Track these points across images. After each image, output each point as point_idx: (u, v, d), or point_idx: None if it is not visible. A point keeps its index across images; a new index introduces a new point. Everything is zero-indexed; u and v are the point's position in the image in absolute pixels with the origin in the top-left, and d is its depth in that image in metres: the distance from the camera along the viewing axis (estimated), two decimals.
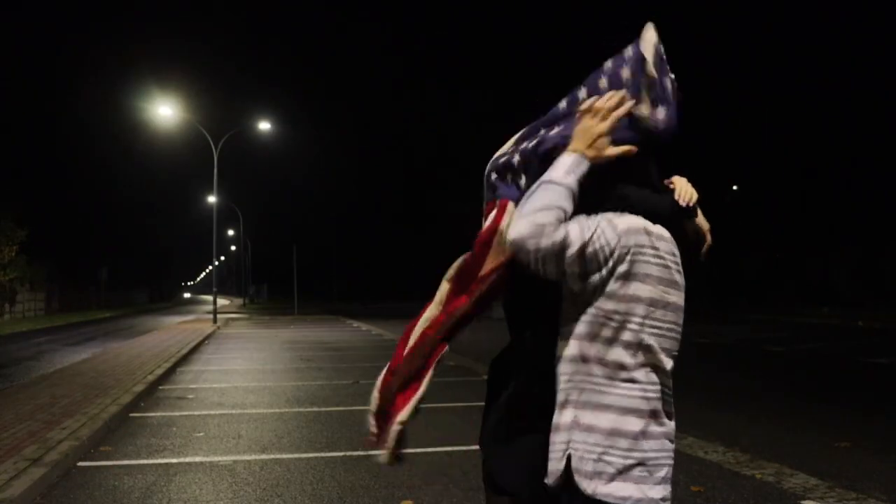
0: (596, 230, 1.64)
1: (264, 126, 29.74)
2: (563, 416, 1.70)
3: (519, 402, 1.87)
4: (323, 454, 5.84)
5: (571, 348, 1.70)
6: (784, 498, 4.47)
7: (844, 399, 8.48)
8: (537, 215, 1.63)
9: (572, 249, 1.62)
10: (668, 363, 1.72)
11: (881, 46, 38.27)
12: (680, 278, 1.75)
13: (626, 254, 1.65)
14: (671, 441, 1.73)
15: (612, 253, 1.64)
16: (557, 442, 1.70)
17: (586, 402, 1.67)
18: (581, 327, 1.69)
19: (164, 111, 26.55)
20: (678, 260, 1.75)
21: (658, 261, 1.69)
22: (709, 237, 1.88)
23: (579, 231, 1.63)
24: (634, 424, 1.65)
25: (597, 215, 1.68)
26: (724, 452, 5.60)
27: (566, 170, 1.70)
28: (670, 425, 1.73)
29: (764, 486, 4.70)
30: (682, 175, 1.95)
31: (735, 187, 43.70)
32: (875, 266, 31.07)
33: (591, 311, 1.69)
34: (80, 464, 5.62)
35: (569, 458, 1.66)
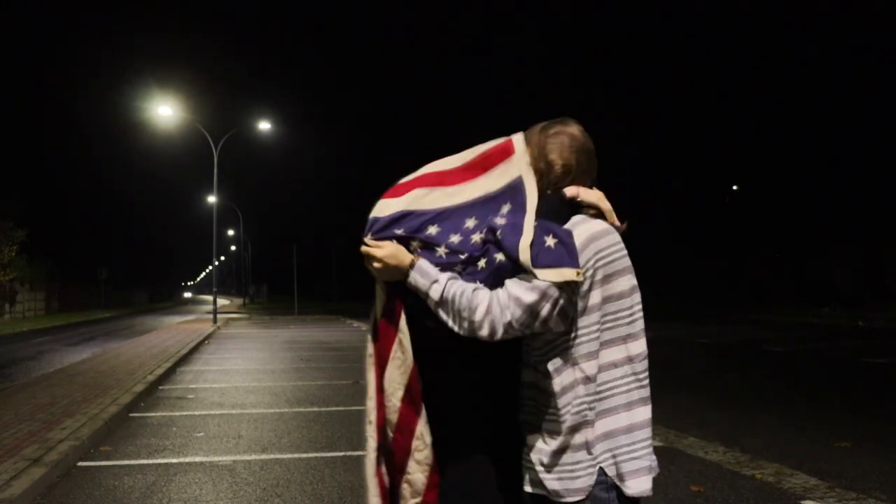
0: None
1: (264, 126, 29.74)
2: (577, 437, 1.75)
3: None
4: (323, 454, 5.84)
5: (577, 372, 1.75)
6: (784, 498, 4.46)
7: (844, 399, 8.47)
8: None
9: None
10: (644, 343, 1.84)
11: (881, 46, 38.24)
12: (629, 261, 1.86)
13: (590, 267, 1.75)
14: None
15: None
16: (583, 461, 1.74)
17: (600, 412, 1.75)
18: (581, 349, 1.75)
19: (164, 111, 26.57)
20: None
21: (619, 253, 1.80)
22: (614, 217, 1.92)
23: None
24: (645, 413, 1.78)
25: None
26: (724, 452, 5.60)
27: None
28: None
29: (764, 486, 4.70)
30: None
31: (735, 187, 43.70)
32: (876, 266, 31.05)
33: (584, 330, 1.76)
34: (80, 464, 5.62)
35: (600, 470, 1.74)
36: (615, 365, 1.76)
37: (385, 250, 1.85)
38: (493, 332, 1.71)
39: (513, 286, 1.72)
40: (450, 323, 1.77)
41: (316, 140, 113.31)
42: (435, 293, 1.78)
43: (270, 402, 8.48)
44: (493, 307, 1.70)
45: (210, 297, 34.10)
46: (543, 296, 1.68)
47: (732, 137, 42.86)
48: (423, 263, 1.82)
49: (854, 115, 36.66)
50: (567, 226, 1.79)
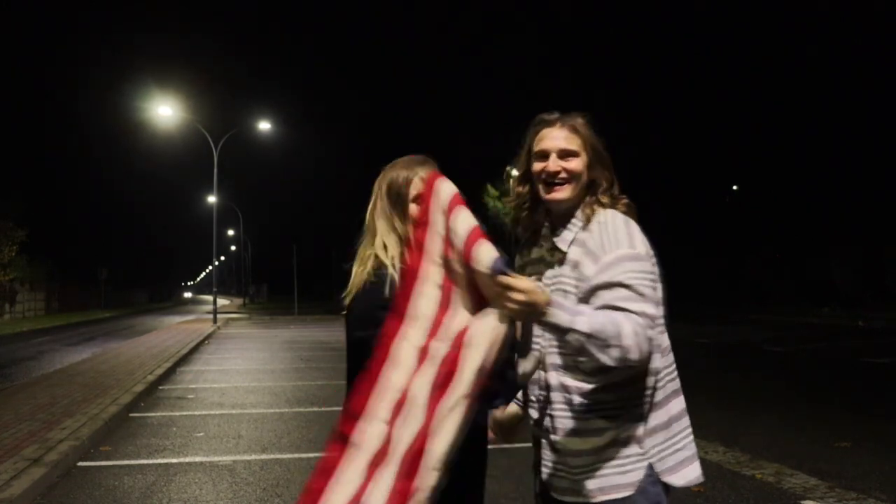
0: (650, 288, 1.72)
1: (264, 126, 29.76)
2: (629, 431, 1.77)
3: None
4: (323, 454, 5.83)
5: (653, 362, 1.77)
6: (784, 498, 4.47)
7: (844, 399, 8.47)
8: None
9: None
10: (667, 335, 1.88)
11: (881, 46, 38.24)
12: None
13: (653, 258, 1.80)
14: None
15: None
16: (632, 455, 1.76)
17: (655, 405, 1.79)
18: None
19: (164, 111, 26.58)
20: None
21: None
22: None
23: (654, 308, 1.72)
24: (679, 404, 1.85)
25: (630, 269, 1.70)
26: (724, 452, 5.60)
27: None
28: None
29: (764, 486, 4.70)
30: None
31: (735, 187, 43.69)
32: (876, 266, 31.04)
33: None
34: (80, 464, 5.62)
35: (648, 465, 1.76)
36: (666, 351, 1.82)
37: (526, 283, 1.58)
38: (641, 352, 1.60)
39: (625, 303, 1.64)
40: (597, 355, 1.58)
41: (316, 140, 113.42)
42: (583, 325, 1.57)
43: (270, 402, 8.48)
44: (635, 327, 1.60)
45: (210, 297, 34.08)
46: (653, 300, 1.69)
47: (732, 137, 42.85)
48: (558, 298, 1.65)
49: (854, 115, 36.63)
50: (619, 223, 1.78)
